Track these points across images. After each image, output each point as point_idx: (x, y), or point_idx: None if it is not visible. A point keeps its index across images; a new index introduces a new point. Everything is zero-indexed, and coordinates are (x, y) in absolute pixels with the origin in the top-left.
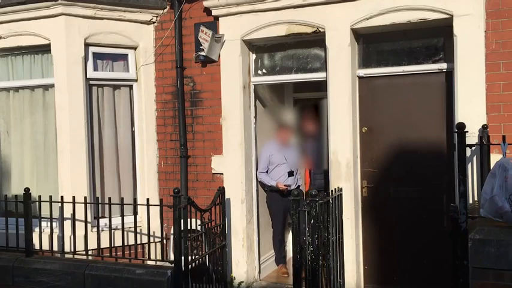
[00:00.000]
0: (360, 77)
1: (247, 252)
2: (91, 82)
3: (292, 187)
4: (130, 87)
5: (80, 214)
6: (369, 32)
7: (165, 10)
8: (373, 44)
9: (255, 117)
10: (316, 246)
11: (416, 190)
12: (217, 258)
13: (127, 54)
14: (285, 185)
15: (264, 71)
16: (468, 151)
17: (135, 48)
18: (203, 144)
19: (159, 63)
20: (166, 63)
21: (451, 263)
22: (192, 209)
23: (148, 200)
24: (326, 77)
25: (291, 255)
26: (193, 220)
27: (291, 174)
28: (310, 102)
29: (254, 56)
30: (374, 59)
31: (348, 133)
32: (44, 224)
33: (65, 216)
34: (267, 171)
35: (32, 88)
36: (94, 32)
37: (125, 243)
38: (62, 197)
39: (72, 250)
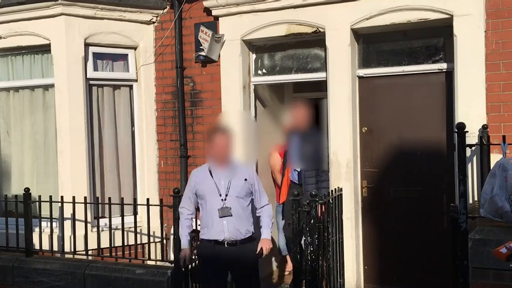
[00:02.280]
0: (359, 77)
1: None
2: (91, 82)
3: (227, 237)
4: (130, 87)
5: (80, 214)
6: (369, 32)
7: (165, 10)
8: (373, 44)
9: (255, 117)
10: (316, 246)
11: (416, 190)
12: None
13: (127, 54)
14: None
15: (264, 71)
16: (468, 151)
17: (135, 48)
18: (203, 144)
19: (159, 63)
20: (166, 63)
21: (451, 263)
22: None
23: (148, 200)
24: (326, 77)
25: None
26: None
27: (225, 213)
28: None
29: (254, 56)
30: (374, 59)
31: (348, 133)
32: (44, 224)
33: (65, 216)
34: (197, 210)
35: (32, 88)
36: (94, 32)
37: (125, 243)
38: (62, 197)
39: (72, 250)
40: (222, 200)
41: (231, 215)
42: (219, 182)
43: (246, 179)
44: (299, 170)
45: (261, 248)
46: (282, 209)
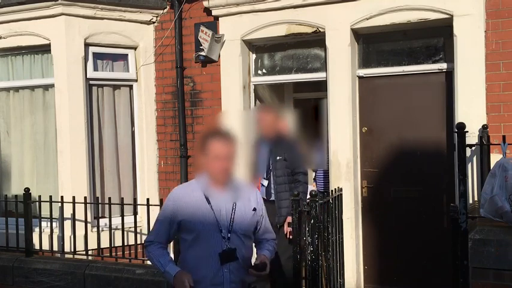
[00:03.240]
0: (360, 77)
1: None
2: (91, 82)
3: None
4: (131, 87)
5: (80, 214)
6: (369, 32)
7: (165, 10)
8: (373, 44)
9: None
10: (316, 246)
11: (416, 190)
12: None
13: (127, 54)
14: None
15: (264, 71)
16: (468, 151)
17: (135, 48)
18: None
19: (159, 63)
20: (166, 63)
21: (451, 263)
22: None
23: (148, 200)
24: (326, 77)
25: None
26: None
27: (229, 258)
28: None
29: (254, 56)
30: (374, 59)
31: (348, 133)
32: (44, 224)
33: (65, 216)
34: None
35: (32, 88)
36: (94, 32)
37: (125, 243)
38: (62, 197)
39: (72, 250)
40: (223, 238)
41: (237, 259)
42: (219, 212)
43: (255, 209)
44: (266, 185)
45: (262, 263)
46: None
